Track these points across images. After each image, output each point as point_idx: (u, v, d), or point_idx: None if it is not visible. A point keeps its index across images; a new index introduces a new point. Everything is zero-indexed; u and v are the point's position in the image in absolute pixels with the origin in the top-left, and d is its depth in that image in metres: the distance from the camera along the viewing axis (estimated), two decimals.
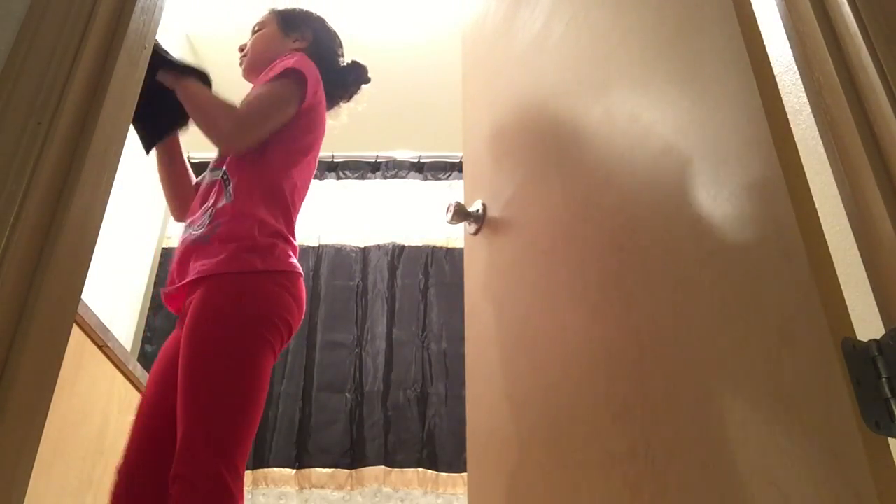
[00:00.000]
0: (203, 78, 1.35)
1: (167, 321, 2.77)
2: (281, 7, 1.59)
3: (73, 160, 0.70)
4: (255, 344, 1.15)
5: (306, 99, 1.34)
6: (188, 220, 1.34)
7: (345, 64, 1.60)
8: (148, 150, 1.43)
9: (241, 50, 1.56)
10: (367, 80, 1.62)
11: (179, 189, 1.48)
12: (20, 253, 0.63)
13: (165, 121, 1.39)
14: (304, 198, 1.40)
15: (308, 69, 1.37)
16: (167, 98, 1.31)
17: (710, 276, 0.70)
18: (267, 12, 1.59)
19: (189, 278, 1.21)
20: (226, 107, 1.28)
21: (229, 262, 1.17)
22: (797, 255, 0.58)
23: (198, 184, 1.47)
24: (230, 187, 1.27)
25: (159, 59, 1.30)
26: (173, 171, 1.48)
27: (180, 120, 1.38)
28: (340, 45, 1.62)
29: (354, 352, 2.73)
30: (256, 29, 1.57)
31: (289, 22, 1.56)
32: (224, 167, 1.33)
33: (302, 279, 1.27)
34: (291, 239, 1.30)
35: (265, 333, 1.16)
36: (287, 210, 1.32)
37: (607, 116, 0.96)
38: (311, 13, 1.60)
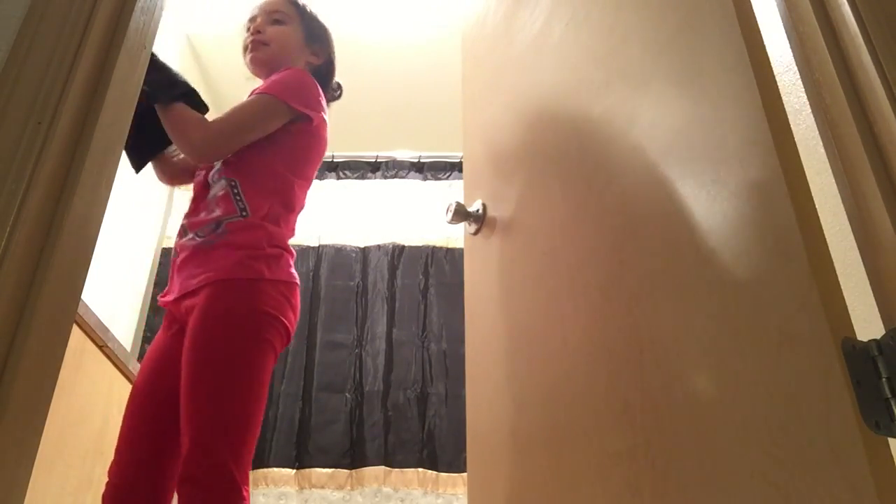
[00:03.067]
0: (194, 99, 1.30)
1: None
2: (303, 5, 1.52)
3: (73, 160, 0.70)
4: (260, 347, 1.17)
5: (313, 118, 1.37)
6: (186, 222, 1.33)
7: (335, 84, 1.59)
8: (138, 170, 1.41)
9: (257, 31, 1.46)
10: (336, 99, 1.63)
11: (178, 179, 1.50)
12: (20, 253, 0.63)
13: (154, 139, 1.37)
14: (303, 207, 1.42)
15: (310, 87, 1.38)
16: (155, 117, 1.29)
17: (711, 276, 0.70)
18: (283, 2, 1.50)
19: (195, 282, 1.21)
20: (198, 119, 1.29)
21: (239, 268, 1.20)
22: (797, 255, 0.58)
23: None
24: (242, 202, 1.29)
25: (157, 79, 1.27)
26: (169, 170, 1.49)
27: (167, 138, 1.34)
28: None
29: (354, 352, 2.73)
30: (276, 18, 1.47)
31: (313, 32, 1.52)
32: (227, 176, 1.32)
33: (298, 289, 1.31)
34: (292, 249, 1.34)
35: (270, 337, 1.19)
36: (292, 221, 1.36)
37: (607, 116, 0.96)
38: (328, 29, 1.57)
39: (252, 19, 1.50)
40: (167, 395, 1.19)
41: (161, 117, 1.29)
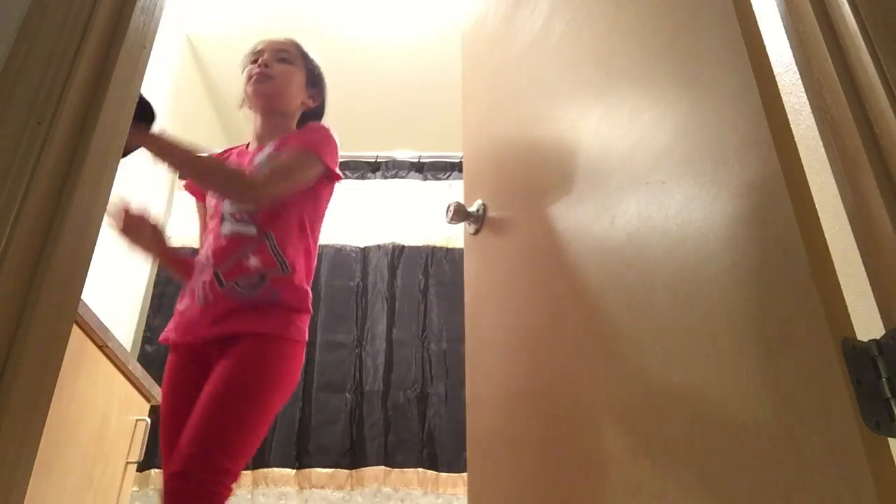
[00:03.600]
0: (149, 114, 1.30)
1: (167, 321, 2.76)
2: (306, 51, 1.60)
3: (73, 160, 0.70)
4: (282, 395, 1.33)
5: (333, 175, 1.48)
6: (220, 270, 1.37)
7: None
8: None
9: (265, 65, 1.52)
10: None
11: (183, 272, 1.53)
12: (20, 253, 0.63)
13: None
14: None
15: (336, 146, 1.49)
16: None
17: (711, 275, 0.70)
18: (290, 43, 1.58)
19: (241, 328, 1.31)
20: (238, 174, 1.39)
21: (286, 328, 1.34)
22: (797, 255, 0.58)
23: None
24: (281, 256, 1.38)
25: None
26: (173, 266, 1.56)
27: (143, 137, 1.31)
28: None
29: (354, 352, 2.73)
30: (283, 57, 1.55)
31: (313, 76, 1.61)
32: (261, 228, 1.38)
33: None
34: None
35: (289, 389, 1.36)
36: (310, 276, 1.47)
37: (607, 116, 0.96)
38: (323, 75, 1.65)
39: (258, 52, 1.56)
40: None
41: (193, 178, 1.39)
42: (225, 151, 1.62)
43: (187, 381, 1.35)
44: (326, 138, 1.47)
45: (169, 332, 1.44)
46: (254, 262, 1.36)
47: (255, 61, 1.54)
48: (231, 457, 1.19)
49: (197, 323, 1.36)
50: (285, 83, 1.54)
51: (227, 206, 1.42)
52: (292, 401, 2.57)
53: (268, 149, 1.47)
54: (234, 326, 1.31)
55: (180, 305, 1.44)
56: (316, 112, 1.63)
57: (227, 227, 1.41)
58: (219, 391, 1.24)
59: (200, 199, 1.58)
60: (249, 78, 1.53)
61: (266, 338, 1.32)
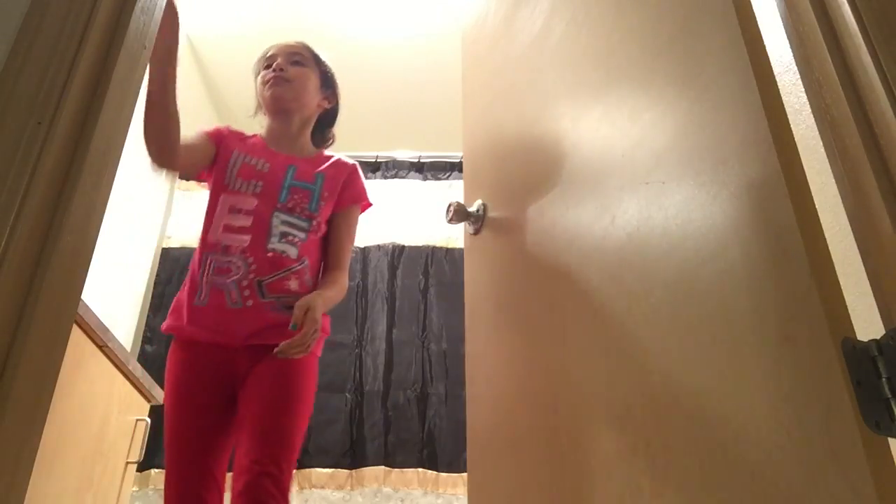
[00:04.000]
0: None
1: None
2: (317, 52, 1.61)
3: (73, 160, 0.70)
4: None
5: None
6: (265, 282, 1.40)
7: (331, 134, 1.72)
8: None
9: (280, 69, 1.54)
10: None
11: (169, 127, 1.31)
12: (20, 253, 0.63)
13: None
14: None
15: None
16: None
17: (711, 275, 0.70)
18: (301, 46, 1.60)
19: (276, 341, 1.32)
20: (342, 285, 1.50)
21: (318, 346, 1.44)
22: (797, 255, 0.58)
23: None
24: (312, 283, 1.48)
25: None
26: (164, 98, 1.26)
27: None
28: None
29: (354, 352, 2.73)
30: (296, 60, 1.56)
31: (326, 78, 1.63)
32: (303, 255, 1.45)
33: None
34: None
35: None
36: None
37: (607, 116, 0.96)
38: (335, 76, 1.67)
39: (271, 57, 1.57)
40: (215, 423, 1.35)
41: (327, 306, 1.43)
42: (231, 134, 1.54)
43: (217, 383, 1.37)
44: (364, 184, 1.60)
45: (182, 326, 1.40)
46: (294, 284, 1.42)
47: (268, 66, 1.55)
48: (293, 463, 1.28)
49: (233, 326, 1.37)
50: (302, 86, 1.55)
51: (277, 222, 1.44)
52: None
53: (305, 166, 1.52)
54: (273, 339, 1.33)
55: (196, 300, 1.40)
56: (331, 113, 1.65)
57: (276, 244, 1.42)
58: (276, 399, 1.31)
59: (222, 190, 1.47)
60: (265, 83, 1.53)
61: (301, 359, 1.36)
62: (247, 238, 1.41)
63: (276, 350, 1.24)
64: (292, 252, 1.43)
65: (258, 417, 1.28)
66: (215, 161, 1.49)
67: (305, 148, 1.59)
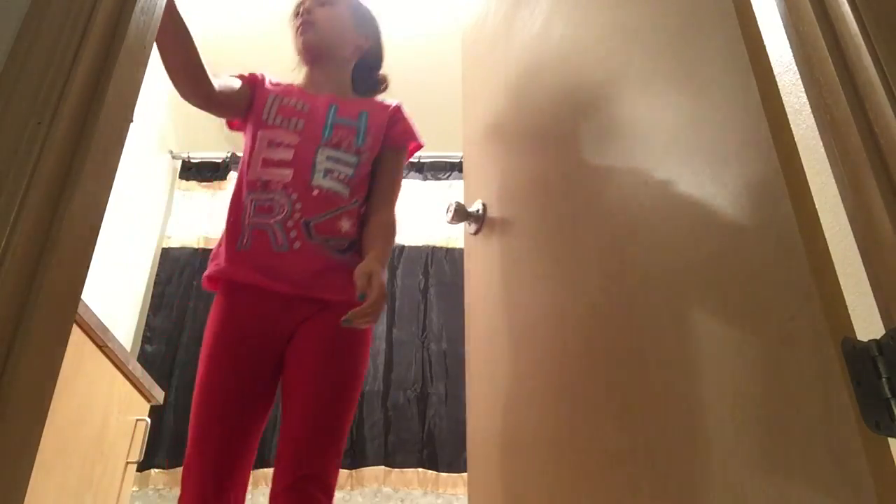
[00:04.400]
0: None
1: (167, 321, 2.76)
2: None
3: (73, 160, 0.70)
4: None
5: None
6: (313, 223, 1.29)
7: (381, 77, 1.59)
8: None
9: (307, 12, 1.44)
10: None
11: (178, 48, 1.24)
12: (20, 253, 0.63)
13: None
14: None
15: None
16: None
17: (711, 276, 0.70)
18: None
19: (336, 297, 1.26)
20: (392, 227, 1.39)
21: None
22: (797, 255, 0.58)
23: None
24: (357, 219, 1.36)
25: None
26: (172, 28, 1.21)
27: None
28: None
29: None
30: (322, 2, 1.46)
31: (360, 16, 1.54)
32: (357, 199, 1.36)
33: None
34: None
35: None
36: None
37: (607, 116, 0.96)
38: (374, 14, 1.58)
39: (299, 4, 1.48)
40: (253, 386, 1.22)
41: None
42: (266, 79, 1.45)
43: (262, 336, 1.24)
44: (412, 123, 1.50)
45: (223, 268, 1.28)
46: (346, 225, 1.31)
47: (297, 14, 1.47)
48: (341, 454, 1.20)
49: (282, 271, 1.25)
50: (330, 28, 1.46)
51: (321, 157, 1.34)
52: None
53: (347, 105, 1.42)
54: (331, 293, 1.25)
55: (237, 245, 1.28)
56: (372, 55, 1.55)
57: (321, 180, 1.31)
58: (332, 381, 1.21)
59: (259, 127, 1.38)
60: (295, 31, 1.45)
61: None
62: (288, 173, 1.31)
63: (342, 319, 1.11)
64: (342, 190, 1.33)
65: (310, 400, 1.18)
66: (251, 106, 1.40)
67: (345, 89, 1.49)
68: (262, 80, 1.45)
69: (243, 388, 1.20)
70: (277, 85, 1.46)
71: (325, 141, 1.35)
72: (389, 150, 1.44)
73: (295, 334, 1.25)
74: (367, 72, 1.54)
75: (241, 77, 1.42)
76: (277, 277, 1.25)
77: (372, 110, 1.45)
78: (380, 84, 1.57)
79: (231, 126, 1.47)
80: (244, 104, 1.40)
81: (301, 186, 1.30)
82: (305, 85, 1.48)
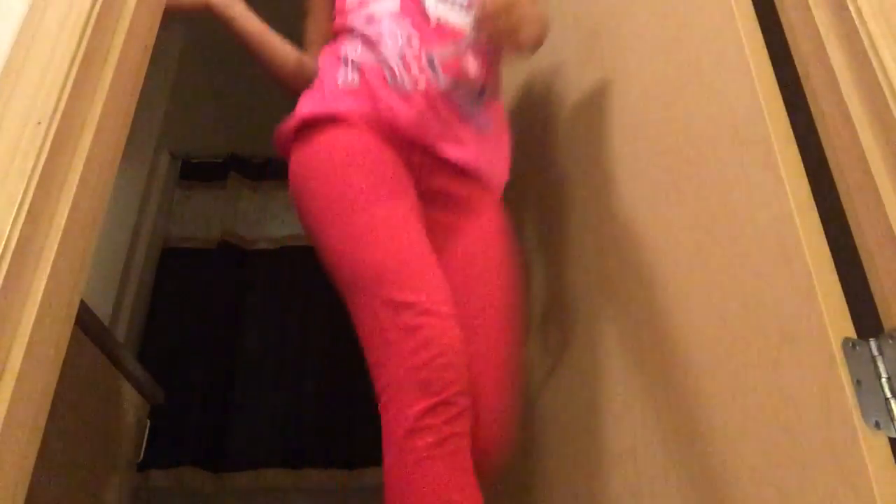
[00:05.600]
0: None
1: (167, 321, 2.76)
2: None
3: (73, 160, 0.70)
4: None
5: None
6: (436, 54, 0.96)
7: None
8: None
9: None
10: None
11: (275, 62, 1.11)
12: (20, 253, 0.63)
13: None
14: None
15: None
16: None
17: (710, 276, 0.70)
18: None
19: (494, 178, 0.98)
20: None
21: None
22: (797, 255, 0.58)
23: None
24: (496, 79, 1.04)
25: None
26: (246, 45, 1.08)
27: None
28: None
29: None
30: None
31: None
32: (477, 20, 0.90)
33: None
34: None
35: None
36: None
37: (607, 116, 0.96)
38: None
39: None
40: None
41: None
42: None
43: (400, 169, 0.92)
44: None
45: (326, 103, 0.97)
46: (473, 66, 0.98)
47: None
48: None
49: (403, 109, 0.93)
50: None
51: None
52: (291, 400, 2.56)
53: None
54: (479, 163, 0.95)
55: (343, 81, 0.97)
56: None
57: (434, 4, 1.00)
58: (505, 320, 0.90)
59: None
60: None
61: (500, 206, 0.96)
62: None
63: (474, 19, 0.84)
64: (465, 21, 0.99)
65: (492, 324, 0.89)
66: None
67: None
68: None
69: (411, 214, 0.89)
70: None
71: None
72: None
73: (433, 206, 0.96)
74: None
75: None
76: (397, 112, 0.95)
77: None
78: None
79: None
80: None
81: (414, 13, 1.01)
82: None
